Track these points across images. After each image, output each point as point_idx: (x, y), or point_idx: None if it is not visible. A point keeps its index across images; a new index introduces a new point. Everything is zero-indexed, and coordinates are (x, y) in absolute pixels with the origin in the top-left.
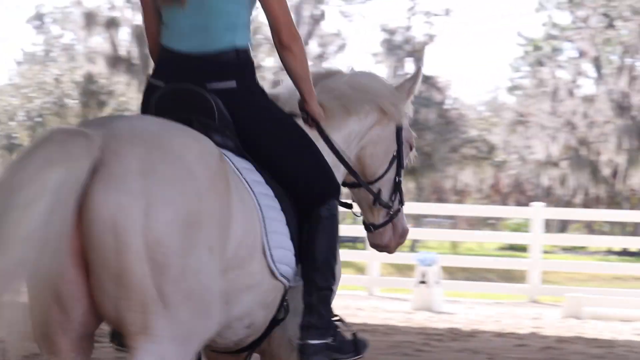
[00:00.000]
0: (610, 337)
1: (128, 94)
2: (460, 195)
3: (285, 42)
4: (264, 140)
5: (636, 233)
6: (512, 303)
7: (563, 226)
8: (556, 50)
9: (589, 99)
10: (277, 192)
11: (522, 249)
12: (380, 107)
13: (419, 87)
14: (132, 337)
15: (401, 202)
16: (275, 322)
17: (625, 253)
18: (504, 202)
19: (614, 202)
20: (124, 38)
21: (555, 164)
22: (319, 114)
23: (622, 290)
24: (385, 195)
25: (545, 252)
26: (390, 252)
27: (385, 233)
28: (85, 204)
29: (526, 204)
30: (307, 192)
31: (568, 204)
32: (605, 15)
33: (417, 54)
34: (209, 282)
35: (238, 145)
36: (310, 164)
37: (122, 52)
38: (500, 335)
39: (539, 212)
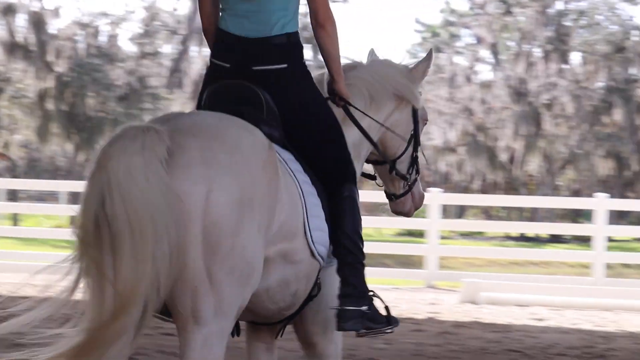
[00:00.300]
0: (507, 322)
1: (25, 80)
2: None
3: (321, 22)
4: (304, 120)
5: (533, 219)
6: (409, 288)
7: (461, 212)
8: (454, 37)
9: (486, 85)
10: (312, 178)
11: (419, 234)
12: (398, 94)
13: (431, 68)
14: (181, 320)
15: (417, 172)
16: (309, 297)
17: (522, 238)
18: None
19: (511, 187)
20: (21, 25)
21: (452, 150)
22: (346, 93)
23: (519, 276)
24: (403, 169)
25: (443, 237)
26: (409, 216)
27: (407, 201)
28: None
29: (424, 190)
30: (333, 174)
31: (466, 189)
32: (503, 1)
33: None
34: (252, 257)
35: (282, 136)
36: (338, 148)
37: (19, 39)
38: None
39: (436, 197)
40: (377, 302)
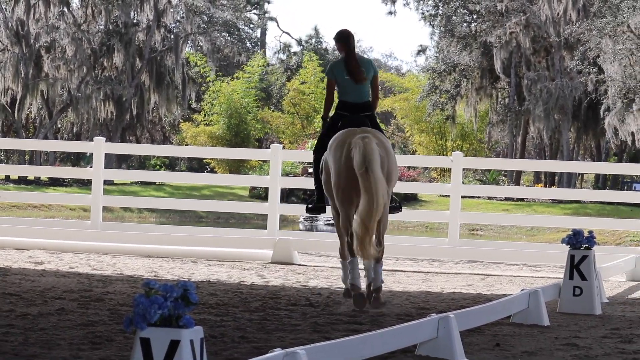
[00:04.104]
0: (5, 265)
1: None
2: None
3: (375, 106)
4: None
5: (33, 162)
6: None
7: None
8: None
9: None
10: None
11: None
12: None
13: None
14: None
15: None
16: None
17: (23, 181)
18: None
19: (11, 130)
20: None
21: None
22: None
23: (18, 219)
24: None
25: None
26: None
27: None
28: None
29: None
30: None
31: None
32: None
33: None
34: None
35: None
36: None
37: None
38: None
39: None
40: None
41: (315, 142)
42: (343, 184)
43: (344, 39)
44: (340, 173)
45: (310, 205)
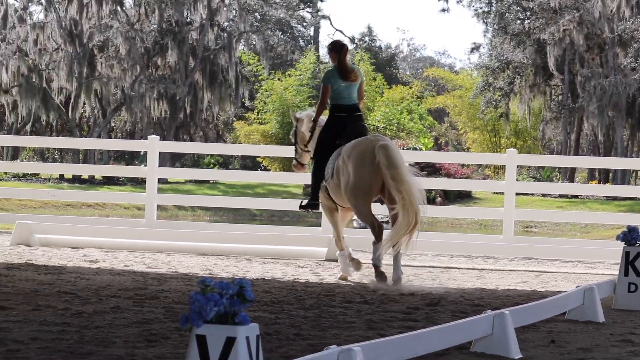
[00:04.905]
0: (60, 263)
1: None
2: None
3: (363, 104)
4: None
5: (88, 161)
6: None
7: (15, 153)
8: None
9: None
10: None
11: None
12: None
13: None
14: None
15: None
16: None
17: (77, 180)
18: None
19: (65, 129)
20: None
21: (6, 91)
22: None
23: (73, 217)
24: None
25: None
26: None
27: None
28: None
29: None
30: None
31: (19, 131)
32: None
33: None
34: None
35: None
36: None
37: None
38: None
39: None
40: None
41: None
42: (367, 187)
43: (338, 48)
44: (365, 177)
45: (304, 203)
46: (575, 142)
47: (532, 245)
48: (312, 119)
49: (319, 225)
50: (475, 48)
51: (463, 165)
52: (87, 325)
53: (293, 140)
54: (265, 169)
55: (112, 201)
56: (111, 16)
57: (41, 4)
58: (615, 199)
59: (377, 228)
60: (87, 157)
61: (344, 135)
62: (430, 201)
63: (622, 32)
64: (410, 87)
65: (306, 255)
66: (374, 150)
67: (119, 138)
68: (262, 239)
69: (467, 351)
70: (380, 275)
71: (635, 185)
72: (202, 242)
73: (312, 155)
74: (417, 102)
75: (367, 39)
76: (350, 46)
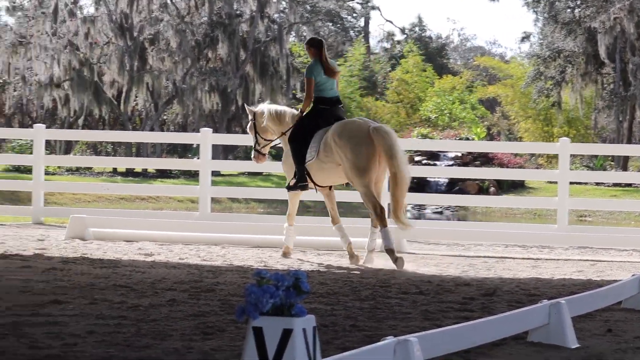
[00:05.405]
0: (115, 257)
1: None
2: None
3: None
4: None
5: (140, 154)
6: (16, 225)
7: (68, 147)
8: None
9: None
10: None
11: (28, 170)
12: None
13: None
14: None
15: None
16: None
17: (130, 173)
18: (8, 124)
19: (117, 122)
20: None
21: (57, 85)
22: None
23: (127, 211)
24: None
25: (52, 173)
26: None
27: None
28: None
29: (30, 126)
30: None
31: (71, 125)
32: None
33: None
34: None
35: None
36: None
37: None
38: (4, 257)
39: (47, 133)
40: None
41: (293, 131)
42: (365, 164)
43: (317, 45)
44: (363, 156)
45: (291, 184)
46: (628, 130)
47: (587, 234)
48: (301, 110)
49: None
50: (526, 37)
51: (516, 155)
52: (143, 318)
53: (252, 133)
54: None
55: (165, 194)
56: (161, 9)
57: None
58: None
59: (379, 210)
60: (139, 150)
61: (323, 119)
62: (484, 191)
63: None
64: (460, 77)
65: (361, 246)
66: (368, 131)
67: (171, 131)
68: (316, 230)
69: (524, 341)
70: (398, 260)
71: None
72: (257, 235)
73: (288, 140)
74: (468, 92)
75: (417, 29)
76: (401, 37)
